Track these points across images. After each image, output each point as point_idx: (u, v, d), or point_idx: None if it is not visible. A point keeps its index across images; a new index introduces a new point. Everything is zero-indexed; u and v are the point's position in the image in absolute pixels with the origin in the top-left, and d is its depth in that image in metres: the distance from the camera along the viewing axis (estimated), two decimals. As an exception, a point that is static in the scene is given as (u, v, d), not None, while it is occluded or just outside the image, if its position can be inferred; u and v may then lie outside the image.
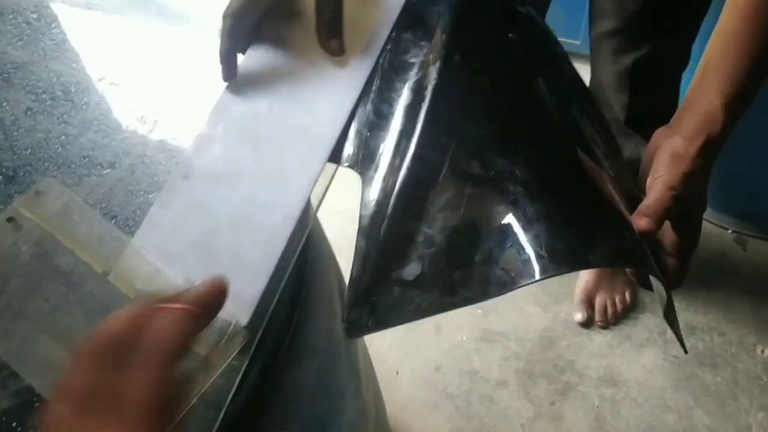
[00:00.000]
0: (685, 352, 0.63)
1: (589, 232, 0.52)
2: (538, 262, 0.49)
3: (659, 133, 0.63)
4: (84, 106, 0.64)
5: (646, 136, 1.20)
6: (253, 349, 0.49)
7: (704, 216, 1.65)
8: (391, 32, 0.63)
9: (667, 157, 0.61)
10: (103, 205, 0.57)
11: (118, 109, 0.64)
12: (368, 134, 0.58)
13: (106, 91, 0.65)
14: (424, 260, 0.53)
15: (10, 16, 0.70)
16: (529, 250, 0.50)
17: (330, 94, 0.59)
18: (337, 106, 0.59)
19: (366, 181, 0.56)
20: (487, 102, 0.59)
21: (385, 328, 0.52)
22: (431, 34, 0.62)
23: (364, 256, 0.53)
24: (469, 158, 0.55)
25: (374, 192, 0.56)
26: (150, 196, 0.57)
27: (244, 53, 0.61)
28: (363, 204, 0.55)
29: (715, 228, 1.59)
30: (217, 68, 0.66)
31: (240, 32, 0.59)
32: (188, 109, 0.64)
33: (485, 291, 0.51)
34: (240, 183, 0.55)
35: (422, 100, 0.58)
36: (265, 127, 0.58)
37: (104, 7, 0.72)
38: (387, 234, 0.54)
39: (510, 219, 0.52)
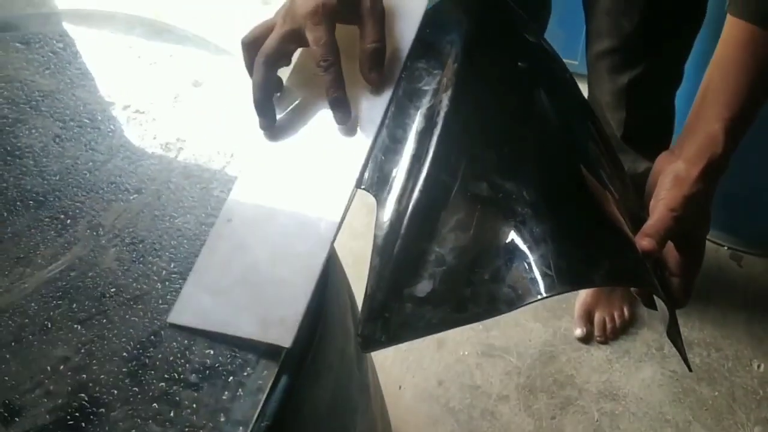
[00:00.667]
0: (689, 369, 0.65)
1: (593, 252, 0.55)
2: (545, 281, 0.52)
3: (662, 158, 0.66)
4: (110, 134, 0.66)
5: (643, 151, 1.24)
6: (277, 368, 0.52)
7: (701, 233, 1.65)
8: (406, 61, 0.65)
9: (668, 180, 0.63)
10: (130, 229, 0.59)
11: (144, 137, 0.66)
12: (383, 158, 0.61)
13: (132, 119, 0.67)
14: (435, 278, 0.55)
15: (37, 46, 0.73)
16: (536, 269, 0.53)
17: (355, 123, 0.63)
18: (362, 134, 0.63)
19: (380, 203, 0.59)
20: (496, 126, 0.62)
21: (397, 343, 0.54)
22: (443, 62, 0.65)
23: (378, 274, 0.56)
24: (478, 181, 0.58)
25: (388, 213, 0.59)
26: (176, 221, 0.60)
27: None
28: (377, 224, 0.58)
29: (711, 244, 1.62)
30: (238, 93, 0.69)
31: (272, 79, 0.62)
32: (211, 135, 0.66)
33: (494, 308, 0.53)
34: (278, 217, 0.59)
35: (434, 126, 0.61)
36: (297, 160, 0.62)
37: (127, 36, 0.74)
38: (400, 253, 0.57)
39: (517, 239, 0.55)
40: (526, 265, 0.53)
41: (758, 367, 1.44)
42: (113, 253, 0.58)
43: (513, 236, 0.55)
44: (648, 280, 0.57)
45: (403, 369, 1.48)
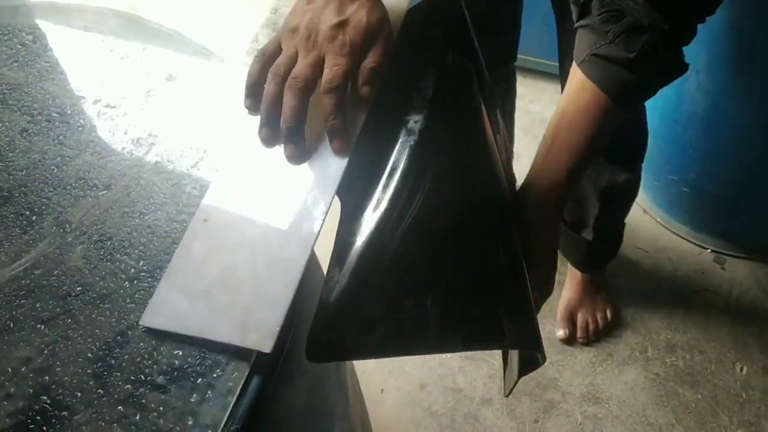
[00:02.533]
0: (506, 395, 0.71)
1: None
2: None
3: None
4: (80, 128, 0.64)
5: (622, 163, 1.24)
6: (248, 370, 0.50)
7: (684, 235, 1.68)
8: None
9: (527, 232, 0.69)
10: (98, 226, 0.58)
11: (114, 132, 0.64)
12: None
13: (102, 113, 0.66)
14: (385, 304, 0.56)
15: (5, 38, 0.71)
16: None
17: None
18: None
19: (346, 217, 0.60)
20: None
21: (344, 360, 0.54)
22: (422, 99, 0.66)
23: (333, 284, 0.56)
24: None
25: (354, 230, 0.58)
26: (146, 218, 0.58)
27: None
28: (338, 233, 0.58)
29: (695, 247, 1.62)
30: (212, 89, 0.68)
31: (306, 106, 0.61)
32: (184, 131, 0.65)
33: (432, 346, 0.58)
34: (257, 219, 0.58)
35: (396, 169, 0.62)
36: (277, 161, 0.61)
37: (100, 29, 0.73)
38: (355, 272, 0.56)
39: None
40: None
41: (741, 369, 1.43)
42: (80, 250, 0.56)
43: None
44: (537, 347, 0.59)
45: (384, 373, 1.46)
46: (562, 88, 1.23)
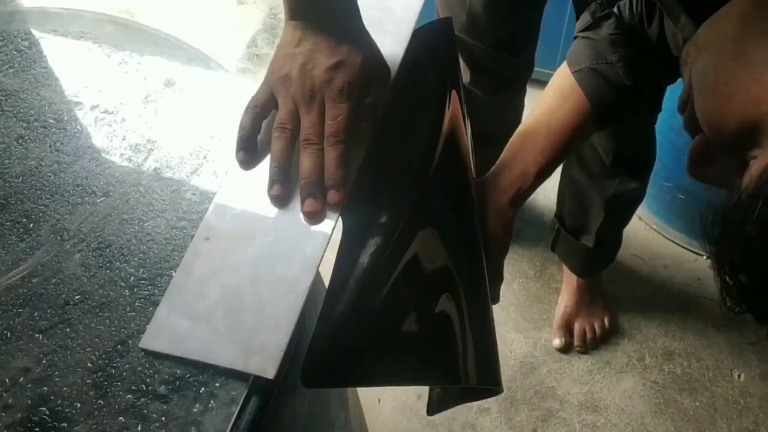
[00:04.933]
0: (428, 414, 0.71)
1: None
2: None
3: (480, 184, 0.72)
4: (77, 134, 0.63)
5: (631, 173, 1.24)
6: (251, 379, 0.49)
7: (679, 242, 1.68)
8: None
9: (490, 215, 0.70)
10: (97, 234, 0.57)
11: (112, 138, 0.63)
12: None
13: (100, 119, 0.65)
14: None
15: (1, 44, 0.70)
16: None
17: None
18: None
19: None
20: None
21: (338, 386, 0.54)
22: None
23: (330, 309, 0.55)
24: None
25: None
26: (145, 225, 0.57)
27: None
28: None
29: (690, 254, 1.62)
30: (212, 93, 0.67)
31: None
32: (184, 137, 0.64)
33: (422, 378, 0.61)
34: (259, 238, 0.56)
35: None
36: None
37: (96, 35, 0.72)
38: (351, 303, 0.56)
39: None
40: None
41: (738, 376, 1.43)
42: (78, 258, 0.55)
43: None
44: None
45: (382, 382, 1.45)
46: None
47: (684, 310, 1.53)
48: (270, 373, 0.49)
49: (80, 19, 0.73)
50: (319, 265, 0.55)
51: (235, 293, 0.53)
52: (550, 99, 0.70)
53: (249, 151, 0.61)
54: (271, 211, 0.58)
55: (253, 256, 0.55)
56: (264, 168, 0.60)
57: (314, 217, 0.58)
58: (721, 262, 0.38)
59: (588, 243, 1.38)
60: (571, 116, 0.69)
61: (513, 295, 1.55)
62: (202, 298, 0.53)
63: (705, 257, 1.60)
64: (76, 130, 0.64)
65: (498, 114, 1.35)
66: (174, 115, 0.65)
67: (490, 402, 1.41)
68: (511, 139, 0.73)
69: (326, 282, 0.56)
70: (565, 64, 0.69)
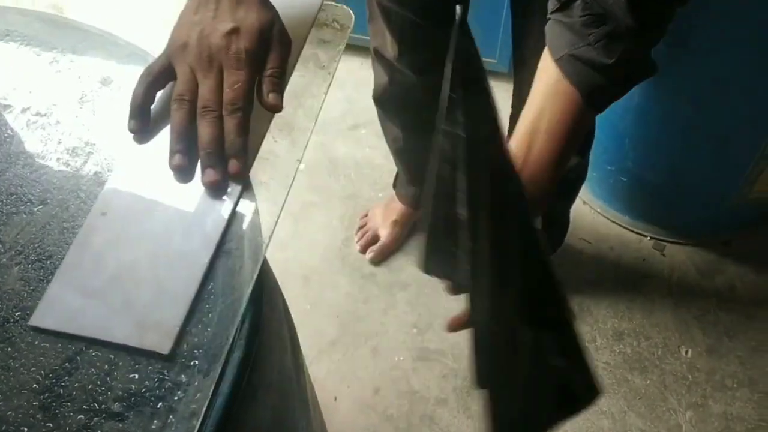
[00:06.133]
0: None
1: None
2: None
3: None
4: (7, 140, 0.59)
5: None
6: (211, 390, 0.47)
7: (624, 224, 1.71)
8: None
9: None
10: (35, 245, 0.53)
11: (47, 142, 0.59)
12: None
13: (32, 123, 0.61)
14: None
15: None
16: None
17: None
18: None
19: None
20: None
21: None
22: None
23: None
24: None
25: None
26: (88, 233, 0.54)
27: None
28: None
29: (635, 235, 1.64)
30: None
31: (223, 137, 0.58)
32: (122, 139, 0.60)
33: None
34: (158, 213, 0.55)
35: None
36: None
37: (24, 32, 0.67)
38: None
39: None
40: None
41: (686, 353, 1.47)
42: (17, 272, 0.52)
43: None
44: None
45: (337, 380, 1.43)
46: (516, 84, 1.23)
47: (631, 291, 1.56)
48: (165, 348, 0.48)
49: (5, 16, 0.69)
50: (220, 239, 0.53)
51: (131, 269, 0.52)
52: (538, 100, 0.67)
53: (140, 120, 0.59)
54: (172, 185, 0.57)
55: (151, 231, 0.54)
56: (164, 141, 0.58)
57: (215, 187, 0.56)
58: None
59: (537, 224, 1.38)
60: (567, 114, 0.66)
61: (465, 284, 1.55)
62: (97, 274, 0.51)
63: (648, 238, 1.64)
64: (6, 135, 0.60)
65: (427, 114, 1.33)
66: (113, 115, 0.62)
67: (446, 393, 1.40)
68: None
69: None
70: (546, 51, 0.67)
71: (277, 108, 0.60)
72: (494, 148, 0.60)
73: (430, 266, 0.65)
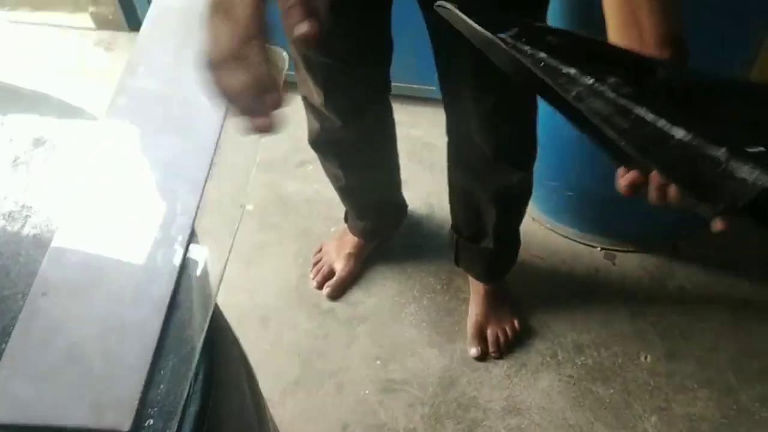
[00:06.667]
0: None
1: None
2: None
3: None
4: (-61, 209, 0.58)
5: (514, 162, 1.24)
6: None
7: (574, 237, 1.72)
8: None
9: None
10: (-24, 315, 0.51)
11: (-19, 207, 0.58)
12: None
13: (-36, 189, 0.59)
14: None
15: None
16: None
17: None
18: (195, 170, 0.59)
19: None
20: None
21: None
22: None
23: None
24: None
25: None
26: (30, 298, 0.52)
27: None
28: None
29: (585, 247, 1.67)
30: (88, 150, 0.63)
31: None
32: (62, 198, 0.59)
33: None
34: (102, 285, 0.54)
35: None
36: (120, 215, 0.58)
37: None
38: None
39: None
40: None
41: (645, 358, 1.49)
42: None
43: None
44: None
45: (303, 420, 1.41)
46: (446, 107, 1.24)
47: (587, 303, 1.58)
48: (125, 425, 0.46)
49: (-71, 82, 0.67)
50: (169, 304, 0.52)
51: (80, 347, 0.50)
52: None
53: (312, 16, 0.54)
54: (111, 254, 0.55)
55: (97, 305, 0.53)
56: (96, 214, 0.57)
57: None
58: None
59: (488, 245, 1.40)
60: None
61: (423, 311, 1.55)
62: (44, 357, 0.50)
63: (599, 249, 1.67)
64: (-63, 204, 0.58)
65: (363, 153, 1.35)
66: (49, 176, 0.61)
67: (415, 422, 1.40)
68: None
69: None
70: None
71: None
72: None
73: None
